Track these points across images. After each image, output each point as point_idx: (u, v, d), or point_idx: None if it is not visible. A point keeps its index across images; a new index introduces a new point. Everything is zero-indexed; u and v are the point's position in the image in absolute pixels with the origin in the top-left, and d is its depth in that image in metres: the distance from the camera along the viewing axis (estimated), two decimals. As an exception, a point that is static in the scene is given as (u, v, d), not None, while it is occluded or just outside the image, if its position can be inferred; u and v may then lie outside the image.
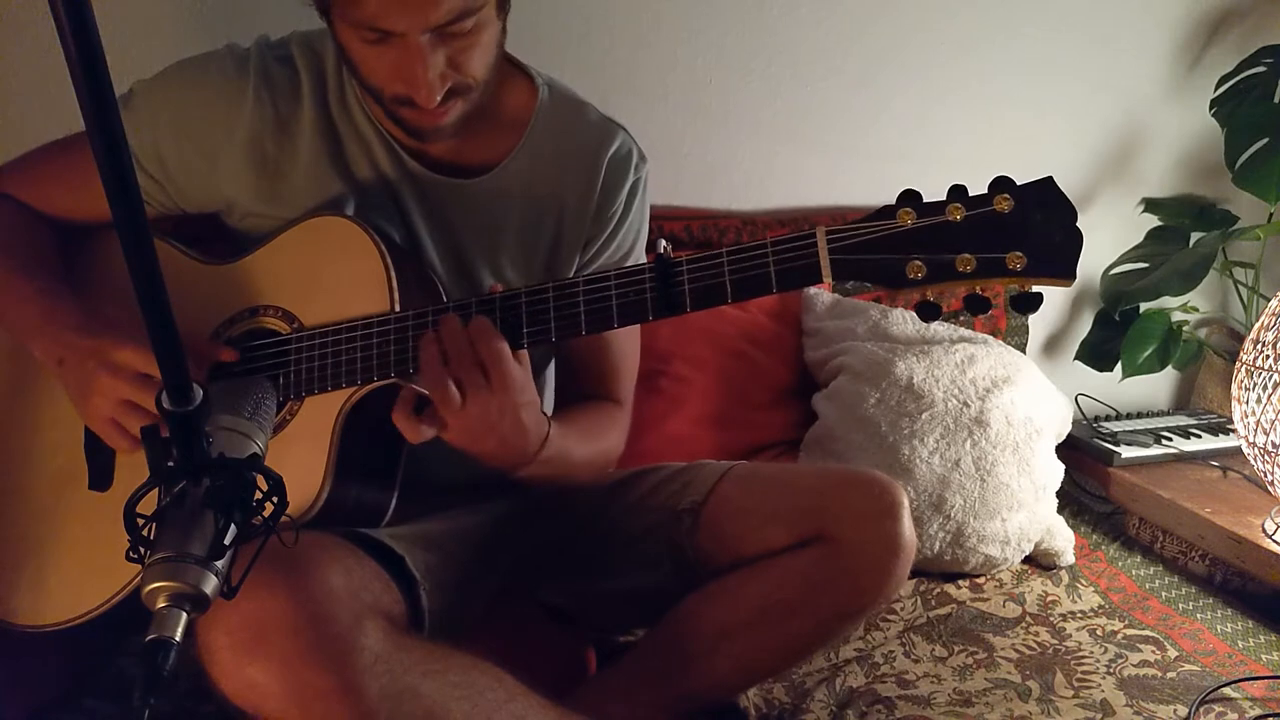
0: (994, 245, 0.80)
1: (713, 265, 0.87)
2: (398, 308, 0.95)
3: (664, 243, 0.89)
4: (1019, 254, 0.80)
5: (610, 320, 0.90)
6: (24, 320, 1.01)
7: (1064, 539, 1.63)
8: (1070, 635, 1.44)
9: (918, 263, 0.82)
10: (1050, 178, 0.82)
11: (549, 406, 1.29)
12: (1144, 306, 2.00)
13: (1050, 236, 0.80)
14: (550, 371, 1.28)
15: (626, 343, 1.21)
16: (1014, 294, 0.83)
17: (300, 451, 0.94)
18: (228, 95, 1.04)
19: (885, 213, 0.83)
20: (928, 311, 0.86)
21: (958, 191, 0.83)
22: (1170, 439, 1.89)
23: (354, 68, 0.98)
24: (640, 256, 1.23)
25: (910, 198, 0.83)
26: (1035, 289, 0.82)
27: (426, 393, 0.90)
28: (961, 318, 1.84)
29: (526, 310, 0.92)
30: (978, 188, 0.83)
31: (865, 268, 0.83)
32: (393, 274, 0.96)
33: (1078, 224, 0.80)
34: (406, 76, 0.93)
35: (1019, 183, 0.82)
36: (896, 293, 0.83)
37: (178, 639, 0.55)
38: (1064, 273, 0.80)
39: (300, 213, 1.05)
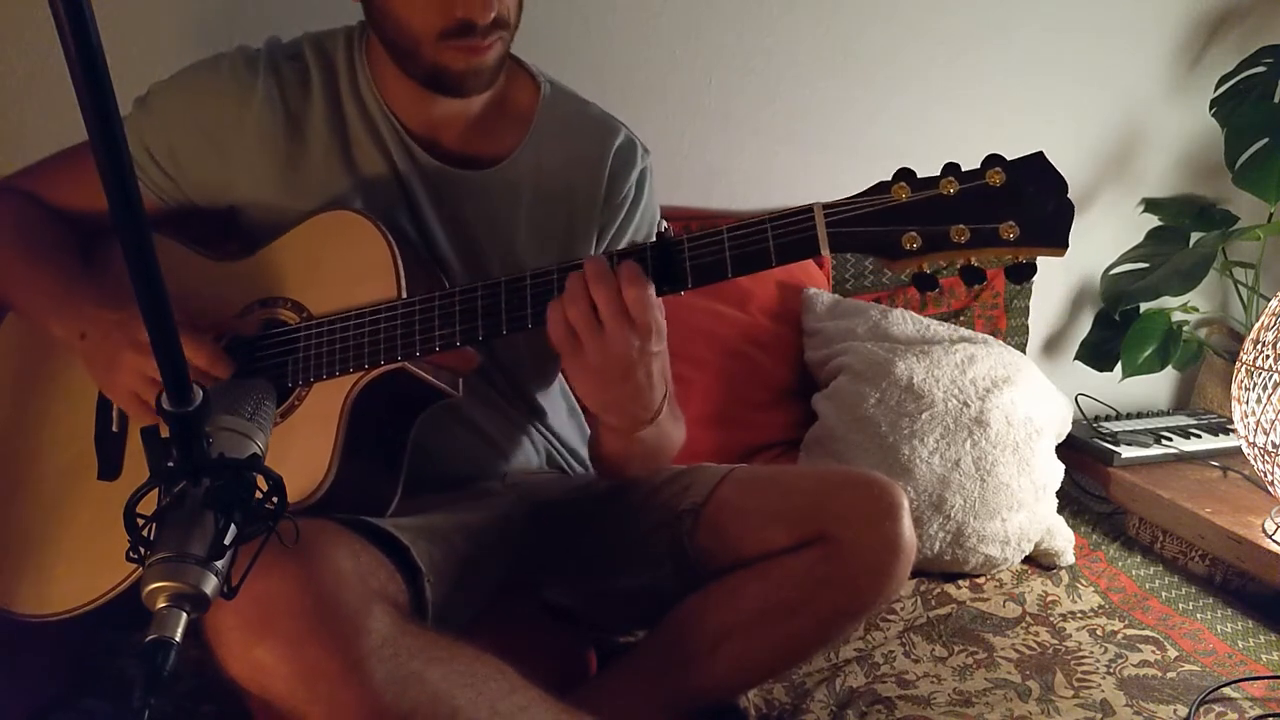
0: (987, 216, 0.83)
1: (713, 242, 0.89)
2: (405, 294, 0.97)
3: (664, 222, 0.90)
4: (1012, 224, 0.82)
5: None
6: (43, 299, 1.01)
7: (1064, 539, 1.63)
8: (1070, 635, 1.44)
9: (913, 234, 0.84)
10: (1041, 153, 0.84)
11: (563, 411, 1.31)
12: (1144, 306, 2.00)
13: (1042, 207, 0.82)
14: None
15: None
16: (1008, 264, 0.85)
17: (308, 434, 0.95)
18: (240, 92, 1.06)
19: (880, 188, 0.86)
20: (924, 282, 0.88)
21: (951, 168, 0.85)
22: (1170, 439, 1.89)
23: (392, 24, 0.97)
24: None
25: (905, 174, 0.86)
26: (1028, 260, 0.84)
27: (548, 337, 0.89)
28: (962, 318, 1.84)
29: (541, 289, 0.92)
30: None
31: (861, 239, 0.85)
32: (399, 261, 0.98)
33: (1068, 195, 0.82)
34: None
35: (1010, 158, 0.84)
36: (893, 264, 0.85)
37: (178, 639, 0.55)
38: (1056, 242, 0.82)
39: (313, 204, 1.06)
